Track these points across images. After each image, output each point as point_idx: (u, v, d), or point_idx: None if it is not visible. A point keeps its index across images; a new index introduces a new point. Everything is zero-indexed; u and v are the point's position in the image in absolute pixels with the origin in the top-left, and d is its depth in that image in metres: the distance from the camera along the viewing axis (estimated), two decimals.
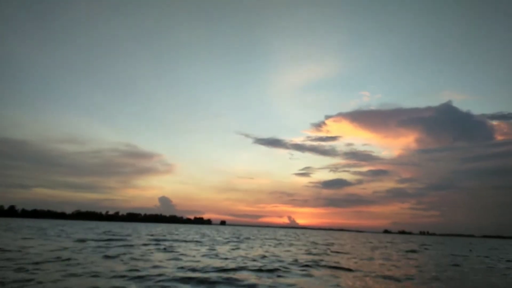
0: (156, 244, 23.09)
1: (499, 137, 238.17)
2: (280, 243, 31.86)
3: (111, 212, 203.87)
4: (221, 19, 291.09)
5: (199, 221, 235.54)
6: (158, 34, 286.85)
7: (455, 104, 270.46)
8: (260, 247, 25.64)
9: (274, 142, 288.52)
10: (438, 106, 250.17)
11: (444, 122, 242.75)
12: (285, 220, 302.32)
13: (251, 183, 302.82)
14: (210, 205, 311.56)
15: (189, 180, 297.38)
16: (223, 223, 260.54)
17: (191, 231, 63.50)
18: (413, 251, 29.29)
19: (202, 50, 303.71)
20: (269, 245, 27.94)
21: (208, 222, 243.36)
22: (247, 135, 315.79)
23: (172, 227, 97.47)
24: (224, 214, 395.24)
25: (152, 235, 36.69)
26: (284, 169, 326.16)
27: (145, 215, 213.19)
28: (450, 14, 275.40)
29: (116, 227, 64.37)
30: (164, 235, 38.11)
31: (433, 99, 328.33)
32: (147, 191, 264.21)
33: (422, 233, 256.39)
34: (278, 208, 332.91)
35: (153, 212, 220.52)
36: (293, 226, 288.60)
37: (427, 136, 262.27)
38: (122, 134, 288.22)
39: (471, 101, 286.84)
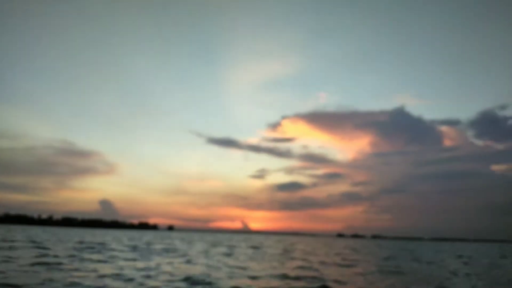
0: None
1: (448, 143, 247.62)
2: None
3: (44, 216, 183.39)
4: (175, 8, 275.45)
5: (144, 226, 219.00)
6: (103, 20, 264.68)
7: (408, 109, 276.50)
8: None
9: (228, 142, 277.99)
10: (391, 110, 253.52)
11: (397, 127, 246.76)
12: (238, 225, 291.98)
13: (203, 186, 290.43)
14: (157, 209, 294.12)
15: (134, 181, 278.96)
16: (171, 228, 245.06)
17: (124, 238, 52.18)
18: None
19: (152, 41, 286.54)
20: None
21: (155, 227, 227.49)
22: (199, 134, 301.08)
23: (109, 233, 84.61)
24: (172, 218, 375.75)
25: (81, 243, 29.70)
26: (239, 171, 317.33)
27: (83, 219, 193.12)
28: (406, 21, 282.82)
29: (42, 233, 55.71)
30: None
31: (387, 103, 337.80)
32: (86, 193, 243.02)
33: (374, 236, 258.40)
34: (231, 212, 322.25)
35: (93, 217, 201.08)
36: (246, 231, 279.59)
37: (380, 140, 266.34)
38: (58, 129, 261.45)
39: (422, 106, 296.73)
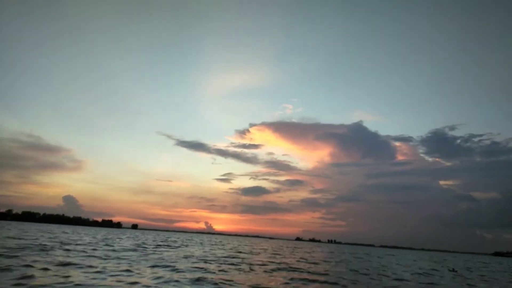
0: None
1: (400, 157, 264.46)
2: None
3: (2, 210, 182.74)
4: (153, 11, 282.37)
5: (108, 224, 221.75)
6: (78, 19, 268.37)
7: (365, 124, 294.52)
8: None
9: (197, 146, 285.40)
10: (350, 124, 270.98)
11: (355, 140, 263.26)
12: (202, 226, 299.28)
13: (170, 186, 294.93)
14: (122, 208, 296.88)
15: (100, 179, 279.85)
16: (134, 226, 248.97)
17: (82, 234, 58.42)
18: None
19: (128, 43, 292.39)
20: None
21: (118, 225, 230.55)
22: (169, 136, 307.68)
23: (69, 229, 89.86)
24: (137, 217, 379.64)
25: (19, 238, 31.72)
26: (205, 174, 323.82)
27: (44, 214, 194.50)
28: (366, 45, 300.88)
29: None
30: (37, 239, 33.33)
31: (346, 118, 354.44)
32: (50, 188, 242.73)
33: (329, 241, 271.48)
34: (196, 213, 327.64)
35: (55, 212, 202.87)
36: (209, 232, 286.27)
37: (339, 151, 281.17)
38: (25, 123, 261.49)
39: (379, 122, 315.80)
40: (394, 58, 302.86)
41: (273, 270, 19.35)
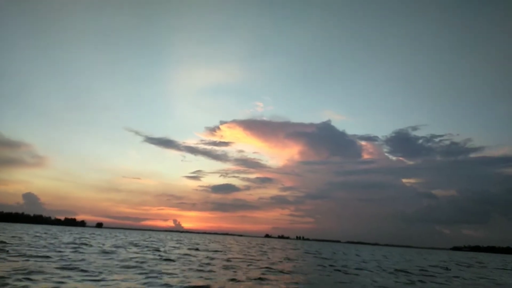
0: None
1: (366, 156, 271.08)
2: None
3: None
4: (123, 4, 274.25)
5: (71, 222, 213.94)
6: (43, 9, 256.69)
7: (334, 123, 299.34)
8: None
9: (166, 143, 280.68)
10: (319, 123, 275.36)
11: (323, 138, 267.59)
12: (170, 224, 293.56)
13: (137, 184, 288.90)
14: (86, 206, 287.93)
15: (64, 176, 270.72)
16: (99, 225, 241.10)
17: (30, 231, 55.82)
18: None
19: (96, 35, 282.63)
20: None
21: (82, 223, 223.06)
22: (137, 133, 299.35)
23: (25, 228, 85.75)
24: (102, 215, 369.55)
25: None
26: (175, 171, 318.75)
27: (1, 213, 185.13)
28: (336, 46, 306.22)
29: None
30: None
31: (316, 117, 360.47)
32: (9, 185, 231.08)
33: (298, 238, 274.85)
34: (164, 211, 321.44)
35: (14, 210, 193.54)
36: (177, 230, 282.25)
37: (308, 149, 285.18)
38: None
39: (346, 122, 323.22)
40: (362, 59, 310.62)
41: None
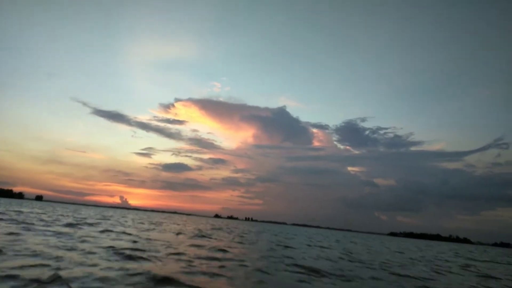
0: None
1: (316, 143, 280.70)
2: None
3: None
4: None
5: (7, 193, 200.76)
6: None
7: (288, 109, 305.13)
8: None
9: (116, 117, 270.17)
10: (275, 108, 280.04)
11: (278, 124, 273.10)
12: (116, 200, 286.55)
13: (83, 157, 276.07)
14: (26, 177, 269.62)
15: (1, 144, 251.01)
16: (39, 198, 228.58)
17: None
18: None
19: None
20: None
21: (20, 195, 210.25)
22: (85, 104, 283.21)
23: None
24: (42, 188, 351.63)
25: None
26: (124, 147, 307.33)
27: None
28: (295, 35, 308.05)
29: None
30: None
31: (272, 101, 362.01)
32: None
33: (247, 219, 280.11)
34: (111, 187, 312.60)
35: None
36: (124, 207, 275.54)
37: (262, 133, 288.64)
38: None
39: (300, 109, 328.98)
40: (320, 49, 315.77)
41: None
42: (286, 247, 19.20)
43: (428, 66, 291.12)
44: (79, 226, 20.37)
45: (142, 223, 32.69)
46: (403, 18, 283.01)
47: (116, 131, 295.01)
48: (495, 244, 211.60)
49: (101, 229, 19.80)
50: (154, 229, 25.15)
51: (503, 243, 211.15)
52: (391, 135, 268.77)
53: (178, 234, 22.11)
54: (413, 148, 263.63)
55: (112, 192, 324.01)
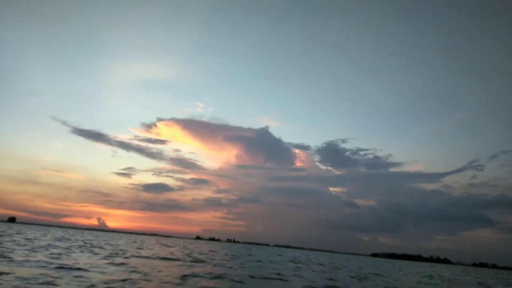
0: None
1: (298, 164, 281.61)
2: None
3: None
4: None
5: None
6: None
7: (271, 130, 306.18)
8: None
9: (96, 136, 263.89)
10: (257, 129, 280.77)
11: (260, 144, 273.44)
12: (93, 222, 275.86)
13: (59, 177, 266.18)
14: None
15: None
16: (12, 219, 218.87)
17: None
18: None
19: (26, 8, 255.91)
20: None
21: None
22: (64, 122, 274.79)
23: None
24: (16, 209, 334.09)
25: None
26: (103, 167, 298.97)
27: None
28: (277, 52, 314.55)
29: None
30: None
31: (255, 122, 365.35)
32: None
33: (229, 240, 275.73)
34: (88, 208, 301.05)
35: None
36: (101, 229, 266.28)
37: (245, 154, 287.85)
38: None
39: (283, 129, 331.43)
40: (302, 69, 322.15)
41: None
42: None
43: (406, 88, 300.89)
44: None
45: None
46: (381, 41, 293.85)
47: (96, 150, 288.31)
48: (474, 264, 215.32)
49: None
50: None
51: (482, 263, 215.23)
52: (371, 156, 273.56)
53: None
54: (392, 169, 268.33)
55: (90, 213, 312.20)
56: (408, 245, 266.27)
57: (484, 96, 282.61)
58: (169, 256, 26.15)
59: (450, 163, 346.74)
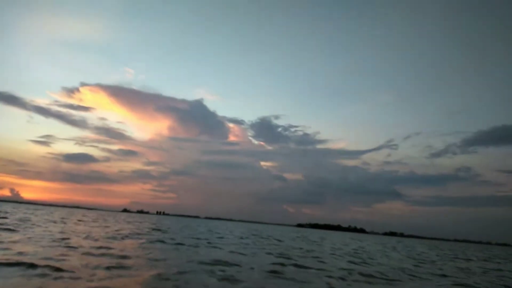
0: None
1: (232, 138, 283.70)
2: None
3: None
4: None
5: None
6: None
7: (206, 102, 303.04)
8: None
9: (8, 98, 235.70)
10: (192, 101, 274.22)
11: (194, 116, 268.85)
12: (5, 193, 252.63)
13: None
14: None
15: None
16: None
17: None
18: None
19: None
20: None
21: None
22: None
23: None
24: None
25: None
26: (17, 134, 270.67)
27: None
28: (217, 23, 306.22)
29: None
30: None
31: (189, 94, 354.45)
32: None
33: (158, 213, 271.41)
34: None
35: None
36: (15, 200, 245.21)
37: (178, 126, 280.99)
38: None
39: (217, 102, 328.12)
40: (238, 45, 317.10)
41: None
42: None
43: (335, 69, 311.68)
44: None
45: None
46: (314, 22, 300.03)
47: (8, 114, 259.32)
48: (385, 233, 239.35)
49: None
50: None
51: (392, 232, 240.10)
52: (301, 133, 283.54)
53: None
54: (319, 146, 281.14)
55: (1, 183, 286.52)
56: (329, 216, 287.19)
57: (404, 80, 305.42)
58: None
59: (370, 141, 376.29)
